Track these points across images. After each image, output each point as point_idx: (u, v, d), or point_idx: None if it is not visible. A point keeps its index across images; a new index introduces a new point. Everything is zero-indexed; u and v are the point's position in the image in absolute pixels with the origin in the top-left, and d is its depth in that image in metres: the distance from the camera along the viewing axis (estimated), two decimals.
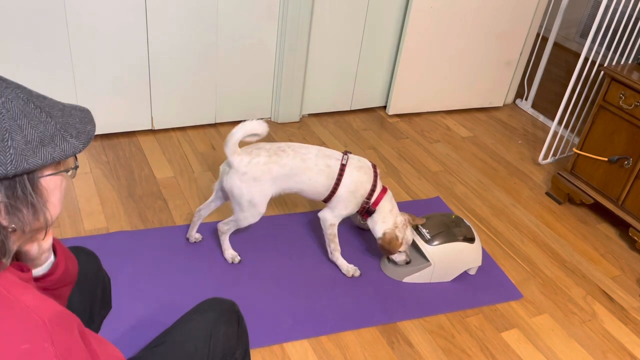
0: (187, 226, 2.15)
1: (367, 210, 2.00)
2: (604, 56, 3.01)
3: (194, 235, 2.13)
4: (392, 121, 3.28)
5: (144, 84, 2.66)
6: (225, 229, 2.02)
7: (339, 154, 1.97)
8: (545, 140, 3.00)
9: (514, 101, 3.70)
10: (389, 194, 2.02)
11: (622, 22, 2.72)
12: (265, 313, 1.88)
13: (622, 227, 2.56)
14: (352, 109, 3.29)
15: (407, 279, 2.09)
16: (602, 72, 2.52)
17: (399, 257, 2.05)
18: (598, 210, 2.67)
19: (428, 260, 2.04)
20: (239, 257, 2.07)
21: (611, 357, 1.92)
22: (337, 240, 2.07)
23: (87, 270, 1.26)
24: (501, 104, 3.62)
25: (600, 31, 2.64)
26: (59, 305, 0.78)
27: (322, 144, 2.92)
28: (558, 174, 2.72)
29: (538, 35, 3.48)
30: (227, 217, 2.01)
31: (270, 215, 2.33)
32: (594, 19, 2.60)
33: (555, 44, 3.63)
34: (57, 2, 2.30)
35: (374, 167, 2.02)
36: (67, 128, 0.81)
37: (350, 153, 1.99)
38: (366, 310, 1.95)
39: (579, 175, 2.63)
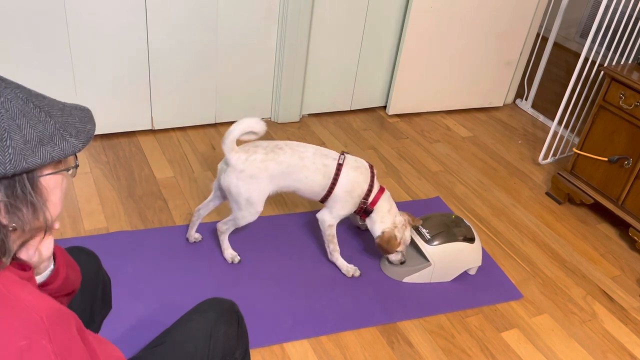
0: (187, 226, 2.15)
1: (365, 210, 2.00)
2: (604, 56, 3.01)
3: (194, 235, 2.13)
4: (392, 121, 3.28)
5: (144, 84, 2.66)
6: (224, 228, 2.02)
7: (335, 154, 1.97)
8: (545, 140, 3.00)
9: (514, 101, 3.70)
10: (386, 193, 2.02)
11: (622, 22, 2.72)
12: (265, 313, 1.88)
13: (622, 227, 2.56)
14: (352, 109, 3.29)
15: (407, 279, 2.09)
16: (602, 72, 2.52)
17: (395, 257, 2.05)
18: (598, 210, 2.67)
19: (428, 260, 2.04)
20: (238, 257, 2.07)
21: (611, 357, 1.92)
22: (336, 240, 2.07)
23: (87, 270, 1.26)
24: (501, 104, 3.62)
25: (600, 31, 2.64)
26: (57, 303, 0.78)
27: (322, 144, 2.92)
28: (558, 174, 2.72)
29: (538, 35, 3.48)
30: (226, 217, 2.01)
31: (270, 215, 2.33)
32: (594, 19, 2.60)
33: (555, 44, 3.63)
34: (57, 2, 2.30)
35: (371, 167, 2.02)
36: (67, 127, 0.81)
37: (348, 153, 2.00)
38: (366, 310, 1.95)
39: (579, 175, 2.63)
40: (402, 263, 2.07)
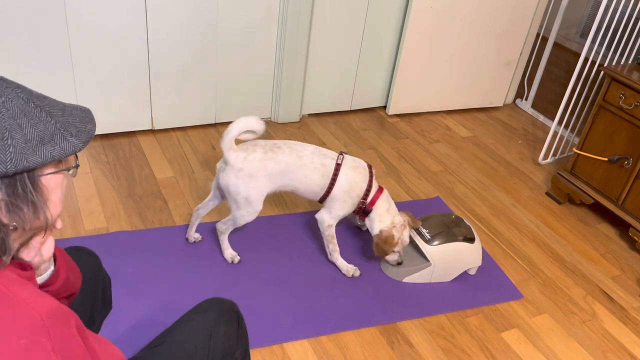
0: (187, 226, 2.15)
1: (364, 210, 2.00)
2: (604, 56, 3.02)
3: (193, 235, 2.13)
4: (392, 121, 3.28)
5: (144, 84, 2.66)
6: (224, 228, 2.02)
7: (334, 154, 1.97)
8: (545, 140, 3.00)
9: (514, 101, 3.70)
10: (385, 193, 2.02)
11: (622, 22, 2.72)
12: (265, 313, 1.88)
13: (622, 227, 2.56)
14: (352, 109, 3.29)
15: (407, 279, 2.09)
16: (602, 72, 2.52)
17: (391, 257, 2.05)
18: (598, 210, 2.67)
19: (428, 260, 2.04)
20: (238, 257, 2.07)
21: (611, 357, 1.92)
22: (335, 241, 2.07)
23: (87, 270, 1.26)
24: (501, 104, 3.62)
25: (600, 31, 2.64)
26: (57, 302, 0.79)
27: (322, 144, 2.92)
28: (558, 174, 2.72)
29: (538, 35, 3.48)
30: (226, 217, 2.01)
31: (270, 216, 2.33)
32: (594, 19, 2.60)
33: (555, 44, 3.63)
34: (57, 2, 2.30)
35: (370, 167, 2.02)
36: (67, 127, 0.81)
37: (347, 153, 2.00)
38: (366, 310, 1.95)
39: (579, 175, 2.63)
40: (398, 264, 2.07)
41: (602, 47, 2.82)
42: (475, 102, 3.53)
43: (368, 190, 1.97)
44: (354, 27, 3.00)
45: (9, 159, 0.73)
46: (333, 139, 3.00)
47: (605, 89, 2.46)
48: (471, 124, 3.38)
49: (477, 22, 3.17)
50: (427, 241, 2.03)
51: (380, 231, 1.99)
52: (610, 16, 2.64)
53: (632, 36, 2.78)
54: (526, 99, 3.63)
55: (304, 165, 1.91)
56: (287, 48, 2.83)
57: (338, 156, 1.96)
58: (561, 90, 3.34)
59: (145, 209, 2.29)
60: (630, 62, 2.65)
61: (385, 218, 1.99)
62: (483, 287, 2.12)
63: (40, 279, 0.99)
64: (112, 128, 2.72)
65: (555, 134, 2.99)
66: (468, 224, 2.12)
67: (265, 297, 1.94)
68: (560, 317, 2.05)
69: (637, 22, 2.77)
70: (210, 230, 2.17)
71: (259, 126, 1.83)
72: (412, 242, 2.08)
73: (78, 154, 0.84)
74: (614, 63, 2.65)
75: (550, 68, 3.82)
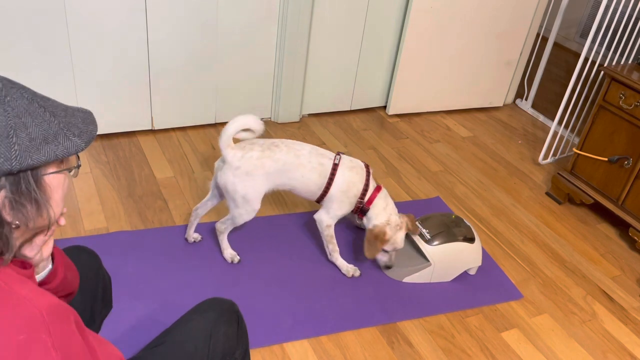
0: (187, 226, 2.15)
1: (361, 209, 2.00)
2: (604, 56, 3.02)
3: (192, 235, 2.13)
4: (392, 121, 3.28)
5: (144, 84, 2.66)
6: (223, 228, 2.02)
7: (331, 154, 1.98)
8: (545, 140, 3.01)
9: (514, 101, 3.70)
10: (383, 191, 2.02)
11: (622, 22, 2.72)
12: (265, 313, 1.88)
13: (622, 227, 2.56)
14: (352, 109, 3.30)
15: (407, 279, 2.09)
16: (602, 72, 2.52)
17: (381, 257, 2.03)
18: (598, 210, 2.67)
19: (428, 260, 2.04)
20: (238, 257, 2.07)
21: (611, 357, 1.92)
22: (334, 240, 2.07)
23: (87, 269, 1.27)
24: (501, 104, 3.62)
25: (600, 31, 2.64)
26: (57, 299, 0.80)
27: (322, 144, 2.92)
28: (558, 174, 2.72)
29: (538, 35, 3.48)
30: (224, 216, 2.01)
31: (270, 216, 2.34)
32: (594, 19, 2.60)
33: (555, 44, 3.63)
34: (57, 2, 2.30)
35: (367, 167, 2.01)
36: (70, 127, 0.83)
37: (344, 154, 2.00)
38: (366, 310, 1.95)
39: (579, 175, 2.63)
40: (387, 267, 2.06)
41: (602, 47, 2.82)
42: (475, 102, 3.53)
43: (365, 190, 1.97)
44: (354, 27, 3.00)
45: (14, 156, 0.75)
46: (333, 139, 3.00)
47: (605, 89, 2.46)
48: (471, 124, 3.38)
49: (477, 22, 3.17)
50: (427, 241, 2.03)
51: (374, 226, 1.97)
52: (610, 16, 2.64)
53: (632, 36, 2.78)
54: (526, 99, 3.63)
55: (301, 165, 1.91)
56: (287, 48, 2.83)
57: (335, 156, 1.96)
58: (561, 90, 3.34)
59: (145, 209, 2.29)
60: (630, 62, 2.66)
61: (381, 215, 1.98)
62: (483, 287, 2.12)
63: (38, 277, 1.00)
64: (112, 128, 2.72)
65: (555, 134, 2.99)
66: (468, 224, 2.12)
67: (265, 297, 1.94)
68: (560, 317, 2.05)
69: (637, 22, 2.77)
70: (209, 230, 2.17)
71: (257, 124, 1.83)
72: (412, 242, 2.08)
73: (79, 153, 0.85)
74: (614, 63, 2.65)
75: (550, 68, 3.82)
